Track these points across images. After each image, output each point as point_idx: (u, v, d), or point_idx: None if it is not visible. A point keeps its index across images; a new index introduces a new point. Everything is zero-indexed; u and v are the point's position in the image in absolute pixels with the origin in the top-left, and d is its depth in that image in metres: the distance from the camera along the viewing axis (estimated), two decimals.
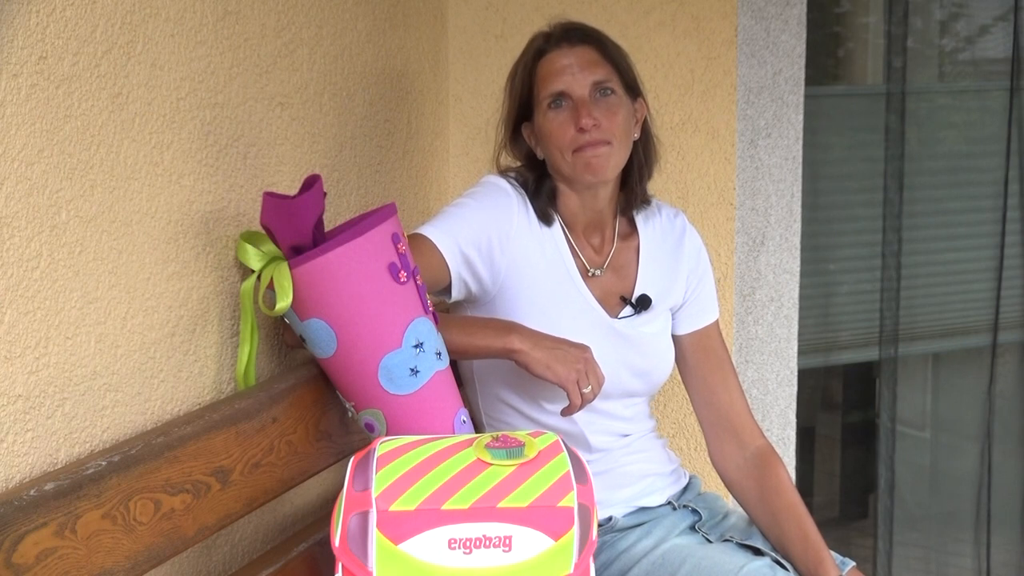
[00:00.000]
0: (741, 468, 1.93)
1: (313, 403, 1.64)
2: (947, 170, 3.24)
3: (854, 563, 1.83)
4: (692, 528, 1.86)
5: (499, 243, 1.80)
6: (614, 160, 1.81)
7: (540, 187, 1.86)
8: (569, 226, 1.88)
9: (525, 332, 1.70)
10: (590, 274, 1.88)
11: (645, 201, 1.93)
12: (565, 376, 1.67)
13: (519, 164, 1.91)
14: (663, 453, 1.96)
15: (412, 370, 1.57)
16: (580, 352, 1.69)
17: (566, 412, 1.70)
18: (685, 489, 1.95)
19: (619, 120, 1.81)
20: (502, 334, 1.70)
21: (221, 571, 1.62)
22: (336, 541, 1.30)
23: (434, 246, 1.75)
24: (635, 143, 1.87)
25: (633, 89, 1.86)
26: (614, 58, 1.84)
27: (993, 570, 3.31)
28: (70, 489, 1.19)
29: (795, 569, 1.78)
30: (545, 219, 1.85)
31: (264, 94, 1.68)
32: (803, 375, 2.72)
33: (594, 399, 1.70)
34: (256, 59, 1.66)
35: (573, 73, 1.80)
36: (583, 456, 1.42)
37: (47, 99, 1.24)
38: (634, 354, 1.87)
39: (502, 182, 1.86)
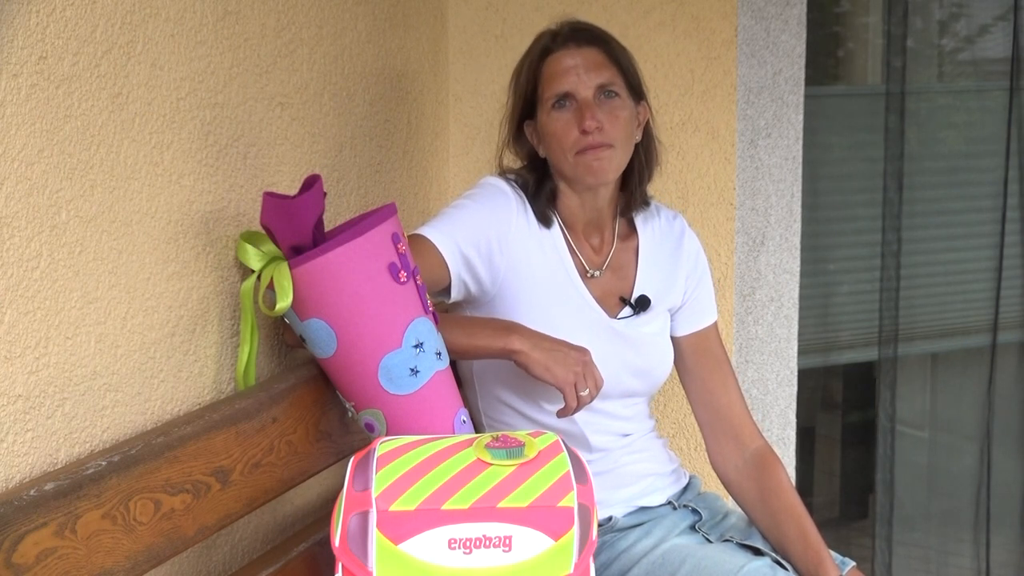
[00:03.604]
0: (740, 469, 1.93)
1: (313, 403, 1.64)
2: (947, 170, 3.24)
3: (854, 563, 1.83)
4: (692, 528, 1.86)
5: (498, 244, 1.80)
6: (616, 163, 1.82)
7: (540, 188, 1.86)
8: (569, 226, 1.88)
9: (525, 332, 1.70)
10: (589, 275, 1.88)
11: (644, 203, 1.93)
12: (563, 378, 1.67)
13: (520, 165, 1.91)
14: (663, 453, 1.96)
15: (412, 370, 1.57)
16: (579, 355, 1.69)
17: (561, 413, 1.70)
18: (685, 489, 1.95)
19: (622, 123, 1.81)
20: (502, 334, 1.70)
21: (221, 571, 1.62)
22: (336, 541, 1.30)
23: (434, 247, 1.75)
24: (636, 145, 1.87)
25: (637, 92, 1.86)
26: (620, 61, 1.84)
27: (992, 570, 3.31)
28: (70, 489, 1.19)
29: (795, 569, 1.79)
30: (544, 221, 1.85)
31: (264, 94, 1.68)
32: (803, 375, 2.72)
33: (591, 402, 1.70)
34: (256, 59, 1.66)
35: (579, 74, 1.80)
36: (583, 456, 1.42)
37: (47, 99, 1.24)
38: (633, 354, 1.87)
39: (501, 183, 1.86)
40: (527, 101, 1.86)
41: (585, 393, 1.68)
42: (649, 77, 1.96)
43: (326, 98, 1.87)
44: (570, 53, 1.82)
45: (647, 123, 1.90)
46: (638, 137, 1.87)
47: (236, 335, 1.61)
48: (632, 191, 1.90)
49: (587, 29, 1.86)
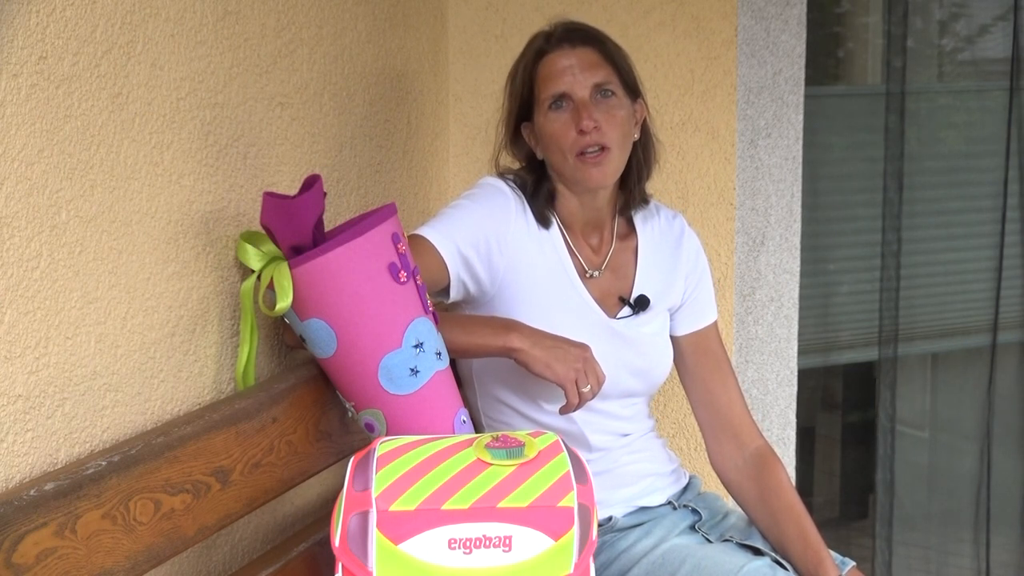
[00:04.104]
0: (740, 469, 1.93)
1: (313, 403, 1.64)
2: (947, 170, 3.24)
3: (854, 563, 1.83)
4: (692, 528, 1.86)
5: (497, 244, 1.80)
6: (614, 165, 1.82)
7: (538, 189, 1.86)
8: (567, 227, 1.88)
9: (525, 330, 1.70)
10: (588, 275, 1.88)
11: (644, 201, 1.93)
12: (564, 375, 1.67)
13: (518, 166, 1.91)
14: (663, 453, 1.96)
15: (412, 370, 1.57)
16: (580, 351, 1.69)
17: (564, 410, 1.70)
18: (685, 489, 1.95)
19: (619, 122, 1.81)
20: (502, 332, 1.70)
21: (221, 571, 1.62)
22: (336, 541, 1.30)
23: (433, 247, 1.75)
24: (634, 144, 1.87)
25: (633, 90, 1.86)
26: (615, 59, 1.84)
27: (993, 570, 3.31)
28: (70, 489, 1.19)
29: (795, 569, 1.78)
30: (543, 222, 1.85)
31: (264, 94, 1.68)
32: (803, 375, 2.72)
33: (593, 398, 1.70)
34: (256, 59, 1.66)
35: (574, 74, 1.80)
36: (583, 456, 1.42)
37: (47, 99, 1.24)
38: (632, 354, 1.87)
39: (500, 183, 1.86)
40: (523, 103, 1.86)
41: (587, 389, 1.68)
42: (649, 77, 1.96)
43: (326, 98, 1.87)
44: (565, 54, 1.82)
45: (644, 121, 1.90)
46: (636, 135, 1.87)
47: (236, 335, 1.61)
48: (631, 189, 1.90)
49: (581, 29, 1.86)
